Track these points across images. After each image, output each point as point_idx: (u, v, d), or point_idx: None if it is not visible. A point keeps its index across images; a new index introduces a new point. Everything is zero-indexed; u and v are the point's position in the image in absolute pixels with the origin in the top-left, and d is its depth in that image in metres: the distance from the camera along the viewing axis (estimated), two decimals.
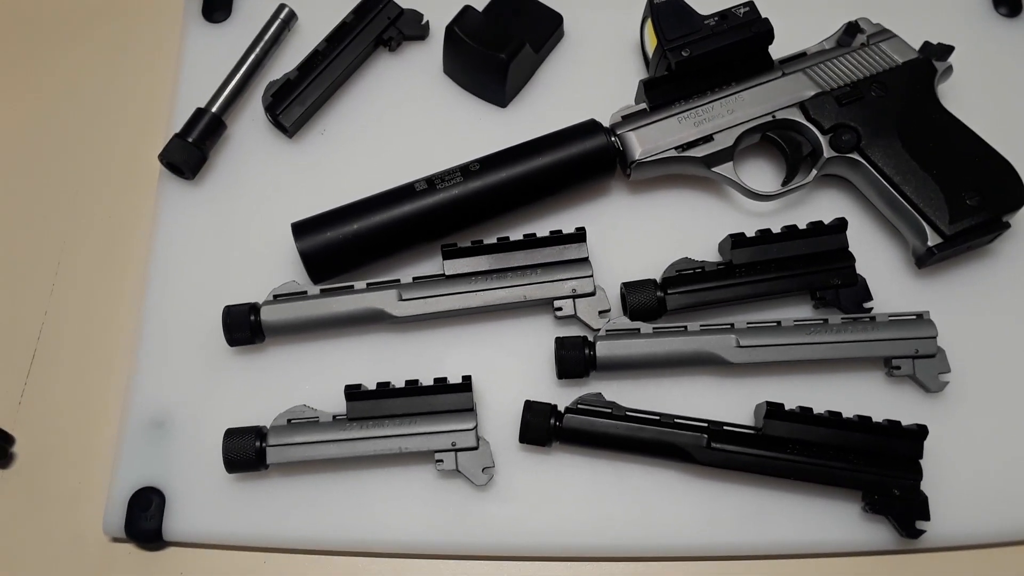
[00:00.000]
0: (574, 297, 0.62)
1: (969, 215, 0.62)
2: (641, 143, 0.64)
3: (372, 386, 0.59)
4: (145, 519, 0.59)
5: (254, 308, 0.61)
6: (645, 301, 0.61)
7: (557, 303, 0.62)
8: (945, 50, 0.67)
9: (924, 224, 0.62)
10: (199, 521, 0.59)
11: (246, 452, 0.57)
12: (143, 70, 0.75)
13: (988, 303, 0.65)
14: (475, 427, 0.58)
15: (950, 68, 0.67)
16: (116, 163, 0.72)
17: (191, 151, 0.67)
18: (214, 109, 0.69)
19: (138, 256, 0.68)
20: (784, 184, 0.67)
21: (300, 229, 0.62)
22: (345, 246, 0.62)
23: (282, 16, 0.72)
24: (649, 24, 0.67)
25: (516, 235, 0.63)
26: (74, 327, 0.67)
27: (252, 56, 0.71)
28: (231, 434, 0.58)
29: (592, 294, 0.62)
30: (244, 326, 0.61)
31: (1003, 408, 0.62)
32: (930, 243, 0.62)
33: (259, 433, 0.58)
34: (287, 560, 0.60)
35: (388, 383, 0.59)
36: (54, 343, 0.66)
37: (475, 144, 0.66)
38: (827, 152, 0.65)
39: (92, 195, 0.71)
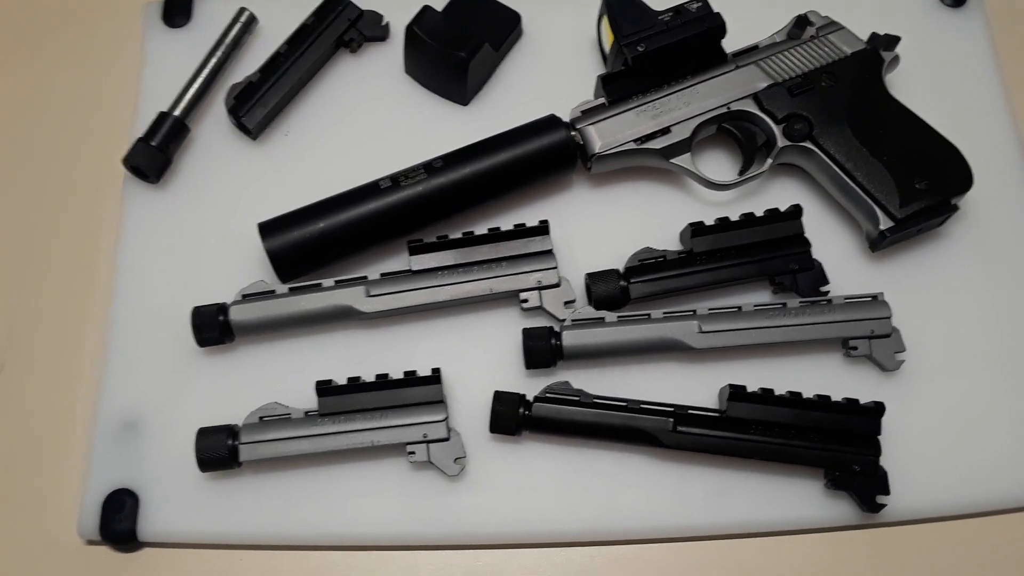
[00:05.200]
0: (539, 289, 0.63)
1: (919, 199, 0.64)
2: (600, 136, 0.66)
3: (343, 381, 0.60)
4: (119, 521, 0.59)
5: (223, 308, 0.62)
6: (609, 290, 0.63)
7: (523, 295, 0.63)
8: (892, 40, 0.69)
9: (876, 208, 0.64)
10: (174, 521, 0.60)
11: (219, 451, 0.58)
12: (105, 75, 0.75)
13: (939, 283, 0.67)
14: (446, 418, 0.59)
15: (897, 58, 0.69)
16: (80, 168, 0.72)
17: (155, 155, 0.68)
18: (177, 112, 0.69)
19: (105, 259, 0.68)
20: (741, 173, 0.69)
21: (267, 229, 0.63)
22: (312, 244, 0.62)
23: (242, 19, 0.72)
24: (605, 20, 0.69)
25: (481, 229, 0.64)
26: (42, 330, 0.67)
27: (214, 59, 0.71)
28: (203, 433, 0.58)
29: (557, 285, 0.63)
30: (213, 326, 0.61)
31: (956, 384, 0.64)
32: (882, 227, 0.63)
33: (231, 431, 0.59)
34: (263, 557, 0.61)
35: (358, 378, 0.60)
36: (22, 346, 0.66)
37: (438, 142, 0.67)
38: (781, 141, 0.66)
39: (57, 200, 0.71)
